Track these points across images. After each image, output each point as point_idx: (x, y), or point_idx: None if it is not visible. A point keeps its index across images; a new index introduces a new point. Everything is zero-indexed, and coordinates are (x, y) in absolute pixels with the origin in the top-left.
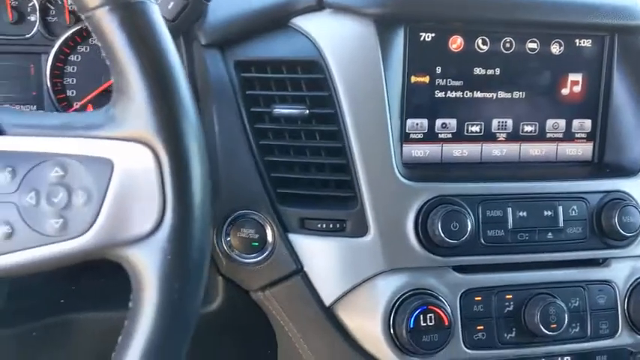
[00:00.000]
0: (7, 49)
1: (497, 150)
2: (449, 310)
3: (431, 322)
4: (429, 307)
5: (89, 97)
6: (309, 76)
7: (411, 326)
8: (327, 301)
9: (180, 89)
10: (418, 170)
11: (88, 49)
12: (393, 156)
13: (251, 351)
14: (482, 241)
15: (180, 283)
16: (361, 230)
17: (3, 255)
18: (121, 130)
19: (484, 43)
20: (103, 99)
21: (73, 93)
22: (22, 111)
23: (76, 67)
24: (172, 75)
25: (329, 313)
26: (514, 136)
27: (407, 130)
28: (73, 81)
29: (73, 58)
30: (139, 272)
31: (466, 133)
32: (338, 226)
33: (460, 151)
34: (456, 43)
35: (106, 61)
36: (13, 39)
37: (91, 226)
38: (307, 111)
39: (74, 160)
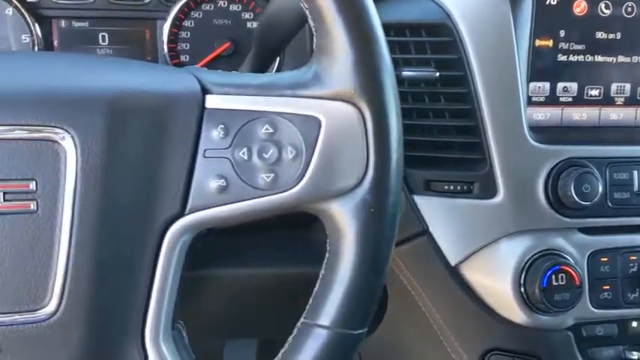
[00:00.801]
0: (124, 14)
1: (614, 114)
2: (579, 270)
3: (562, 281)
4: (562, 267)
5: (203, 62)
6: (437, 39)
7: (544, 285)
8: (453, 262)
9: (383, 50)
10: (543, 133)
11: (201, 15)
12: (524, 118)
13: None
14: (609, 204)
15: (378, 234)
16: (489, 192)
17: (218, 207)
18: (328, 90)
19: (607, 7)
20: (216, 64)
21: (186, 58)
22: (224, 72)
23: (189, 33)
24: (377, 36)
25: (454, 273)
26: (632, 100)
27: (529, 94)
28: (186, 46)
29: (187, 23)
30: (338, 224)
31: (585, 97)
32: (465, 188)
33: (579, 114)
34: (580, 6)
35: (311, 24)
36: (130, 5)
37: (300, 180)
38: (437, 73)
39: (283, 118)
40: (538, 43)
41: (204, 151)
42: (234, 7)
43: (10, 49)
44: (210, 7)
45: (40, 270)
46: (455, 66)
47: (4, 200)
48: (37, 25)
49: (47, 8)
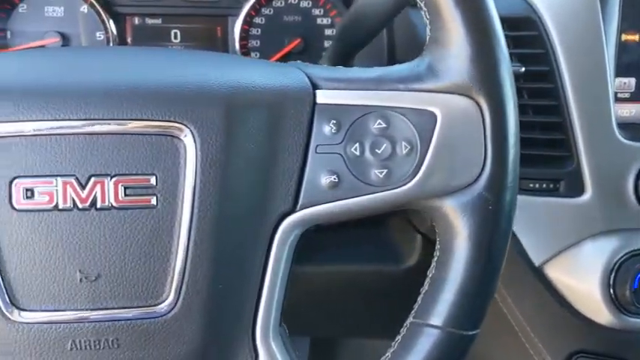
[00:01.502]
0: (196, 11)
1: None
2: None
3: None
4: None
5: (273, 59)
6: (522, 33)
7: (635, 287)
8: (537, 261)
9: (502, 43)
10: (629, 130)
11: (272, 12)
12: (612, 114)
13: None
14: None
15: (494, 232)
16: (576, 190)
17: (329, 203)
18: (443, 83)
19: None
20: (286, 61)
21: (256, 55)
22: (331, 67)
23: (260, 30)
24: (495, 29)
25: (538, 273)
26: None
27: (615, 89)
28: (257, 43)
29: (257, 20)
30: (451, 222)
31: None
32: (551, 186)
33: None
34: None
35: (425, 16)
36: (202, 1)
37: (414, 176)
38: (523, 68)
39: (396, 113)
40: (624, 37)
41: (316, 146)
42: (304, 4)
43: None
44: (281, 3)
45: (159, 265)
46: (540, 61)
47: (125, 195)
48: (111, 21)
49: (122, 5)
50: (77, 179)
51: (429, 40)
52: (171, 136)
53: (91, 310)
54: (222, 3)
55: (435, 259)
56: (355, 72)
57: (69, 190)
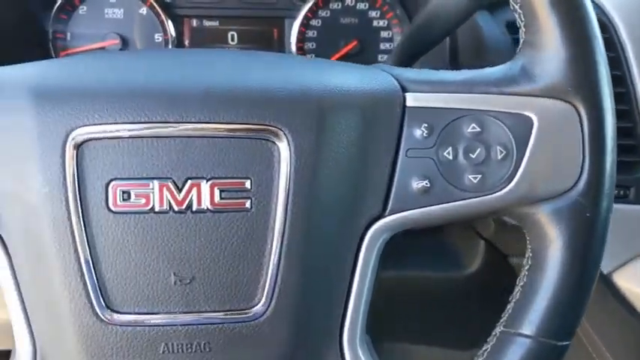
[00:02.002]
0: (253, 13)
1: None
2: None
3: None
4: None
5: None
6: None
7: None
8: (605, 269)
9: (600, 47)
10: None
11: (329, 14)
12: None
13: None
14: None
15: (590, 240)
16: None
17: (420, 208)
18: (538, 86)
19: None
20: None
21: (312, 57)
22: (418, 69)
23: (316, 32)
24: (594, 32)
25: (606, 281)
26: None
27: None
28: (312, 45)
29: (314, 22)
30: (544, 229)
31: None
32: (621, 192)
33: None
34: None
35: (520, 19)
36: (260, 3)
37: (509, 182)
38: None
39: (491, 117)
40: None
41: (407, 150)
42: (361, 6)
43: (137, 49)
44: (338, 5)
45: (252, 269)
46: (611, 64)
47: (221, 198)
48: (170, 23)
49: (180, 7)
50: (174, 182)
51: (523, 43)
52: (266, 139)
53: (184, 312)
54: (279, 5)
55: (527, 267)
56: (444, 74)
57: (165, 192)
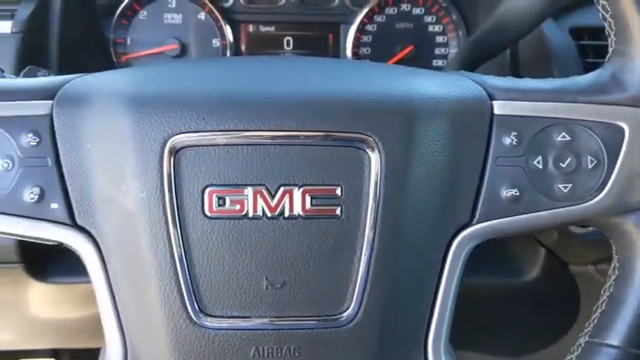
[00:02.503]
0: (309, 19)
1: None
2: None
3: None
4: None
5: None
6: None
7: None
8: None
9: None
10: None
11: (384, 19)
12: None
13: (551, 323)
14: None
15: None
16: None
17: (508, 217)
18: (630, 95)
19: None
20: None
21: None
22: (503, 77)
23: (371, 37)
24: None
25: None
26: None
27: None
28: (367, 51)
29: (369, 28)
30: (632, 239)
31: None
32: None
33: None
34: None
35: (610, 29)
36: (316, 9)
37: (599, 192)
38: None
39: (582, 126)
40: None
41: (496, 158)
42: (417, 11)
43: (195, 54)
44: (394, 10)
45: (342, 275)
46: None
47: (312, 205)
48: (228, 28)
49: (238, 13)
50: (267, 188)
51: (613, 51)
52: (357, 147)
53: (275, 317)
54: (335, 10)
55: (613, 277)
56: (531, 82)
57: (259, 198)
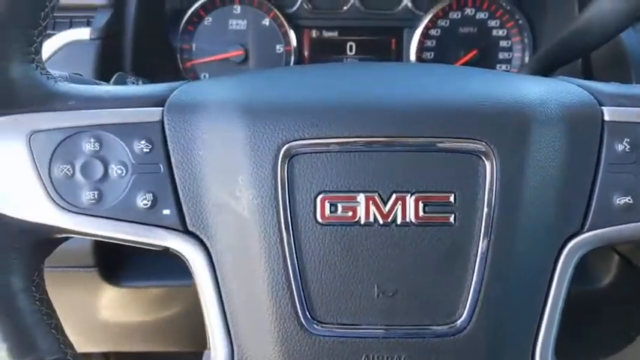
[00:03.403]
0: (372, 23)
1: None
2: None
3: None
4: None
5: None
6: None
7: None
8: None
9: None
10: None
11: (448, 24)
12: None
13: (628, 329)
14: None
15: None
16: None
17: (622, 225)
18: None
19: None
20: None
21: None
22: (610, 83)
23: (434, 42)
24: None
25: None
26: None
27: None
28: (430, 55)
29: (433, 32)
30: None
31: None
32: None
33: None
34: None
35: None
36: (380, 14)
37: None
38: None
39: None
40: None
41: (608, 165)
42: (480, 15)
43: (258, 59)
44: (458, 15)
45: (455, 283)
46: None
47: (425, 212)
48: (292, 34)
49: (303, 18)
50: (379, 195)
51: None
52: (472, 154)
53: (386, 326)
54: (399, 15)
55: None
56: (636, 89)
57: (371, 205)
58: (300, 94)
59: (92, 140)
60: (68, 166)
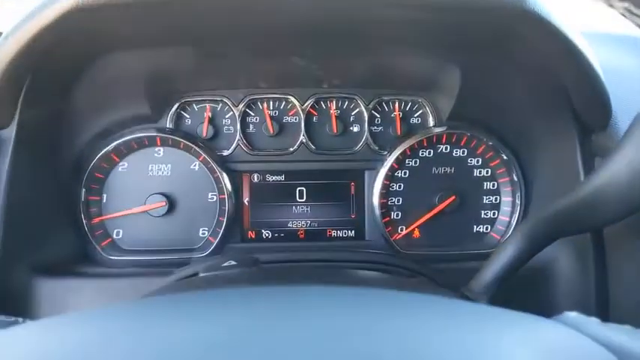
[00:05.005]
0: (327, 166)
1: None
2: None
3: None
4: None
5: (422, 219)
6: None
7: None
8: None
9: None
10: None
11: (418, 163)
12: None
13: None
14: None
15: None
16: None
17: None
18: None
19: None
20: (439, 223)
21: (398, 215)
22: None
23: (402, 185)
24: None
25: None
26: None
27: None
28: (398, 201)
29: (399, 174)
30: None
31: None
32: None
33: None
34: None
35: None
36: (336, 155)
37: None
38: None
39: None
40: None
41: None
42: (458, 152)
43: (186, 210)
44: (429, 152)
45: None
46: None
47: None
48: (226, 178)
49: (239, 162)
50: None
51: None
52: None
53: None
54: (357, 155)
55: None
56: None
57: None
58: None
59: None
60: None
